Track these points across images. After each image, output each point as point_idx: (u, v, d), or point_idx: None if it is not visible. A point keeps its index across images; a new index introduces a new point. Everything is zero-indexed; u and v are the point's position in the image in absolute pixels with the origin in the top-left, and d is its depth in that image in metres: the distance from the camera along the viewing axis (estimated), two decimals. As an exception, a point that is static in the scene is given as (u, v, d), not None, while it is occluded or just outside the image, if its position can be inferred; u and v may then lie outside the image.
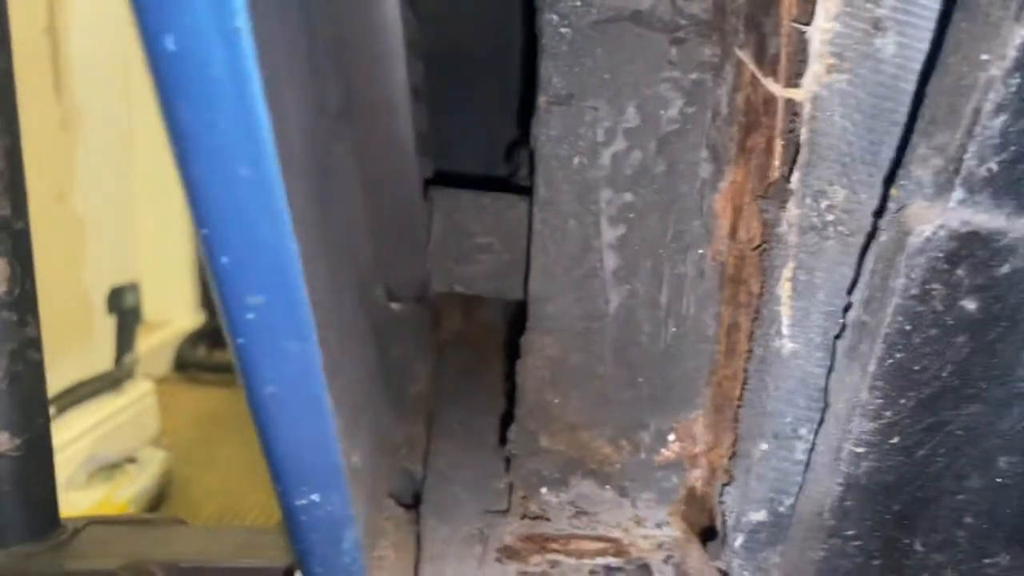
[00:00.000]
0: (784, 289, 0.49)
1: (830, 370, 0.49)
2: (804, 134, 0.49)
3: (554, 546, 0.57)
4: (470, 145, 0.77)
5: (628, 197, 0.56)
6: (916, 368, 0.44)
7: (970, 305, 0.42)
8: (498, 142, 0.77)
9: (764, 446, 0.52)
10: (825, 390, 0.49)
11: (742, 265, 0.55)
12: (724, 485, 0.57)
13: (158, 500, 1.94)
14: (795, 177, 0.49)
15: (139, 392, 2.19)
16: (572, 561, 0.55)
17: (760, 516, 0.54)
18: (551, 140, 0.55)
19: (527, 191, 0.66)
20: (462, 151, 0.78)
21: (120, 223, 2.14)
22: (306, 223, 0.40)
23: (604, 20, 0.54)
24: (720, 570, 0.56)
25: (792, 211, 0.49)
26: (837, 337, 0.48)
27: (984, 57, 0.38)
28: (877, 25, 0.46)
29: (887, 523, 0.49)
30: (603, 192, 0.56)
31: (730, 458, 0.57)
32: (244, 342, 0.39)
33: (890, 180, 0.46)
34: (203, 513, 1.91)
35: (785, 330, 0.49)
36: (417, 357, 0.73)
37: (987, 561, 0.50)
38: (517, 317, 0.69)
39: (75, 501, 1.74)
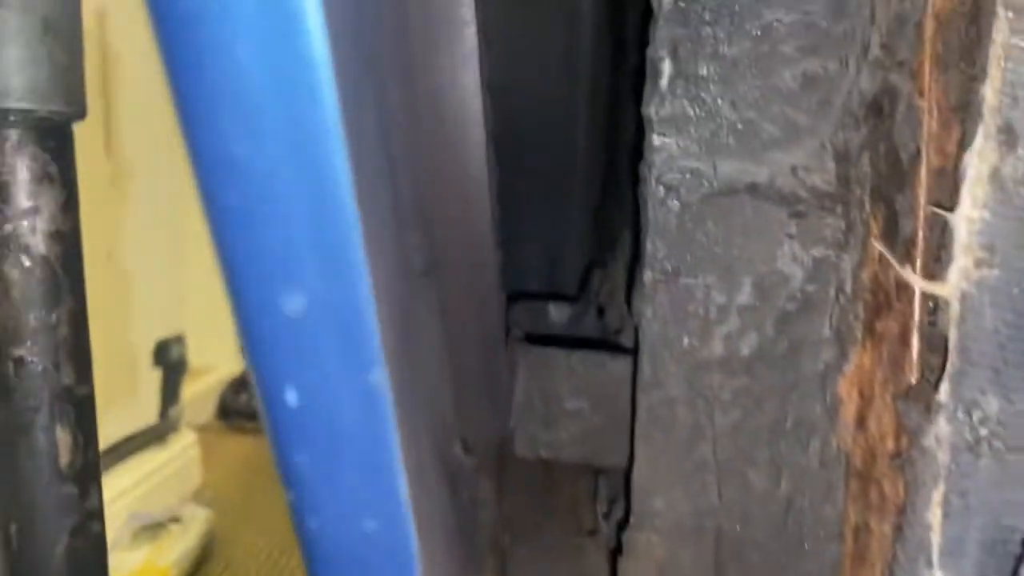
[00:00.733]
0: (935, 515, 0.44)
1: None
2: (953, 338, 0.43)
3: None
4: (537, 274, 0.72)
5: (744, 380, 0.51)
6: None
7: None
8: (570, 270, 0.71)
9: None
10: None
11: (872, 462, 0.49)
12: None
13: (200, 560, 1.92)
14: (944, 388, 0.43)
15: (182, 444, 2.18)
16: None
17: None
18: (657, 318, 0.50)
19: (616, 347, 0.61)
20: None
21: (167, 276, 2.13)
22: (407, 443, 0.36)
23: (717, 193, 0.49)
24: None
25: (942, 426, 0.44)
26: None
27: None
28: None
29: None
30: (715, 375, 0.51)
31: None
32: None
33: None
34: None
35: (935, 559, 0.44)
36: (487, 506, 0.69)
37: None
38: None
39: (119, 563, 1.72)
